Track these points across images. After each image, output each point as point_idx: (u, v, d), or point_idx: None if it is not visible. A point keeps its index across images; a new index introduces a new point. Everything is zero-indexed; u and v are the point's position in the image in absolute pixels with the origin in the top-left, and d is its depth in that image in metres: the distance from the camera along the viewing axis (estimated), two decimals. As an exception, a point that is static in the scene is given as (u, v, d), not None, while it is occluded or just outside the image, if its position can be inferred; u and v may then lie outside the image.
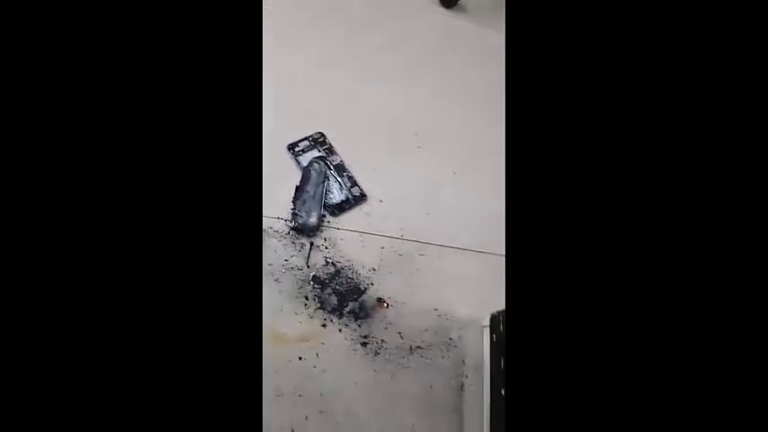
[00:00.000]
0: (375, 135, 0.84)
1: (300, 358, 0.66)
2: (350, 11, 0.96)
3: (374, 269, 0.74)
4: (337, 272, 0.72)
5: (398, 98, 0.89)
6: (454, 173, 0.85)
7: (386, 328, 0.70)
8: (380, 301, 0.72)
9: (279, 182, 0.76)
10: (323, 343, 0.68)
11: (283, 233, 0.73)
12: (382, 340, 0.70)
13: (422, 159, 0.84)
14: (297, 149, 0.79)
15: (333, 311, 0.70)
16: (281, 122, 0.79)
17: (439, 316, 0.73)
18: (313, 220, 0.73)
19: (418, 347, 0.70)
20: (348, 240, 0.75)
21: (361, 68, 0.90)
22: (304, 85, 0.85)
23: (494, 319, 0.68)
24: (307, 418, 0.64)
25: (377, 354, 0.69)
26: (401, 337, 0.70)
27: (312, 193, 0.75)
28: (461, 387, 0.70)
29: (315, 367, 0.66)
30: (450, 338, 0.72)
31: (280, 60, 0.86)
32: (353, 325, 0.70)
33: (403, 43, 0.95)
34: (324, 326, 0.69)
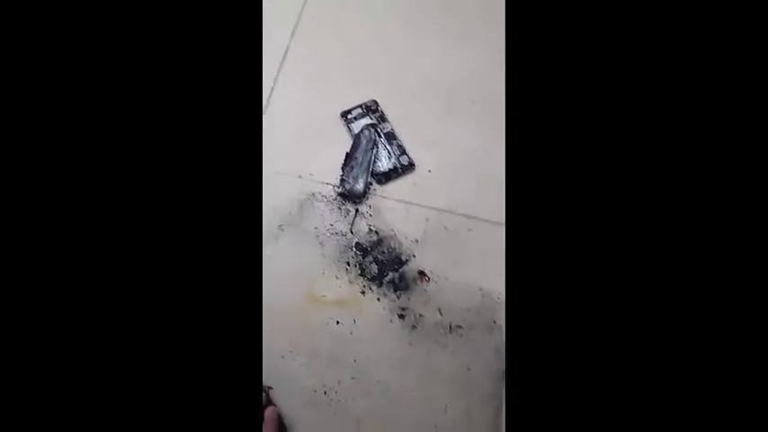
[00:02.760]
0: (429, 102, 0.81)
1: (338, 322, 0.67)
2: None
3: (417, 241, 0.72)
4: (380, 240, 0.71)
5: (454, 63, 0.84)
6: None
7: (425, 303, 0.69)
8: (422, 274, 0.70)
9: (330, 148, 0.75)
10: (360, 310, 0.68)
11: (330, 198, 0.73)
12: (420, 314, 0.68)
13: (476, 129, 0.79)
14: (350, 117, 0.78)
15: (372, 279, 0.69)
16: (336, 89, 0.78)
17: (483, 296, 0.70)
18: (359, 186, 0.73)
19: (458, 326, 0.68)
20: (393, 210, 0.73)
21: (418, 28, 0.86)
22: (361, 48, 0.83)
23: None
24: (339, 382, 0.64)
25: (414, 327, 0.68)
26: (440, 313, 0.68)
27: (360, 159, 0.74)
28: (502, 373, 0.67)
29: (351, 333, 0.67)
30: (495, 321, 0.69)
31: (339, 19, 0.85)
32: (392, 295, 0.69)
33: (458, 4, 0.89)
34: (363, 293, 0.69)
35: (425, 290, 0.69)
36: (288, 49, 0.83)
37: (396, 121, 0.78)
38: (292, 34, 0.84)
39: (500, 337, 0.68)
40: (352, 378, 0.65)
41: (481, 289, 0.70)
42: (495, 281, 0.71)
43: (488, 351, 0.67)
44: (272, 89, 0.80)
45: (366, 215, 0.73)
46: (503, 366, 0.67)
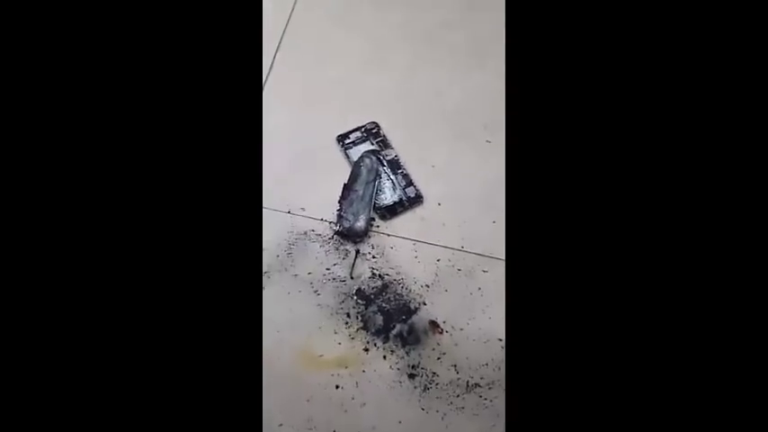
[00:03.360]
0: (437, 126, 0.72)
1: (338, 387, 0.57)
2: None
3: (427, 285, 0.63)
4: (384, 286, 0.62)
5: (464, 83, 0.76)
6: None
7: (438, 359, 0.59)
8: (434, 324, 0.61)
9: (325, 178, 0.66)
10: (364, 371, 0.58)
11: (326, 237, 0.64)
12: (434, 373, 0.59)
13: (490, 156, 0.71)
14: (347, 141, 0.69)
15: (377, 333, 0.60)
16: (332, 110, 0.70)
17: (503, 348, 0.61)
18: (360, 224, 0.63)
19: (476, 385, 0.59)
20: (399, 249, 0.64)
21: (422, 49, 0.78)
22: (358, 69, 0.75)
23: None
24: (341, 458, 0.54)
25: (426, 389, 0.58)
26: (456, 371, 0.59)
27: (361, 192, 0.65)
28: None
29: (353, 399, 0.57)
30: (514, 374, 0.60)
31: (331, 37, 0.76)
32: (400, 352, 0.59)
33: (468, 16, 0.81)
34: (366, 350, 0.59)
35: (438, 343, 0.60)
36: (272, 67, 0.74)
37: (400, 147, 0.70)
38: (277, 49, 0.75)
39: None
40: (356, 455, 0.55)
41: (500, 340, 0.62)
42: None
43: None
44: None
45: (368, 257, 0.63)
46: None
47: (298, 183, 0.67)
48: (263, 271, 0.62)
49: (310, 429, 0.55)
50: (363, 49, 0.76)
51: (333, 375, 0.57)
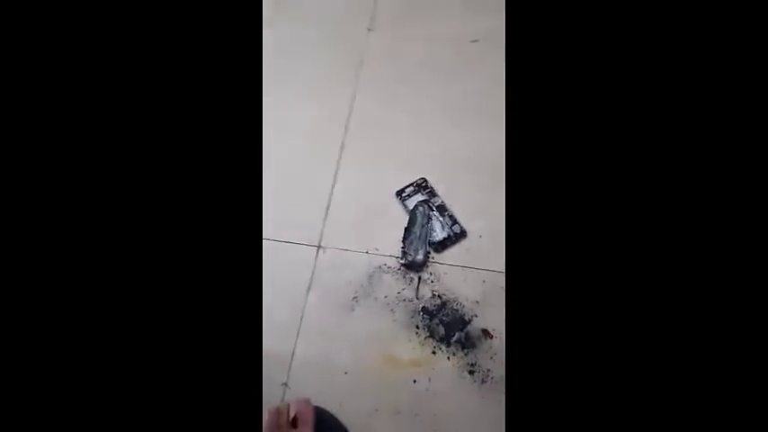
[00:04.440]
0: (473, 176, 0.91)
1: (414, 381, 0.75)
2: (441, 63, 1.06)
3: (477, 301, 0.80)
4: (443, 304, 0.80)
5: (494, 139, 0.95)
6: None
7: (491, 358, 0.76)
8: (485, 332, 0.78)
9: (390, 225, 0.86)
10: (433, 369, 0.75)
11: (395, 269, 0.83)
12: (488, 369, 0.75)
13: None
14: (404, 195, 0.90)
15: (441, 340, 0.77)
16: (390, 172, 0.91)
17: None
18: (420, 257, 0.82)
19: (523, 376, 0.74)
20: (451, 275, 0.83)
21: (457, 114, 0.98)
22: (407, 136, 0.96)
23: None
24: (422, 436, 0.71)
25: (483, 382, 0.74)
26: (506, 367, 0.75)
27: (418, 233, 0.85)
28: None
29: (427, 390, 0.74)
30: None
31: (383, 115, 0.99)
32: (460, 353, 0.76)
33: (494, 88, 1.02)
34: (433, 353, 0.77)
35: (491, 346, 0.77)
36: (343, 144, 0.97)
37: (445, 195, 0.89)
38: (345, 130, 0.99)
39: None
40: (434, 431, 0.71)
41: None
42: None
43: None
44: (333, 184, 0.92)
45: (428, 281, 0.82)
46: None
47: (371, 230, 0.87)
48: (353, 297, 0.82)
49: (397, 413, 0.73)
50: (409, 121, 0.98)
51: (410, 372, 0.75)
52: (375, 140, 0.97)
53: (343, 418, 0.58)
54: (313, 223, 0.88)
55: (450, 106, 0.99)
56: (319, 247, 0.86)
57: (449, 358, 0.76)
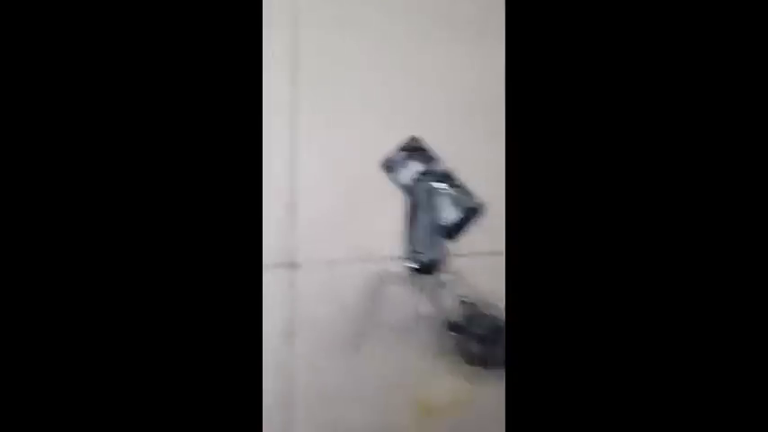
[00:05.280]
0: (481, 121, 0.67)
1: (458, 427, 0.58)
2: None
3: (512, 299, 0.62)
4: (470, 310, 0.61)
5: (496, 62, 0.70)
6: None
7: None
8: (529, 337, 0.61)
9: (382, 211, 0.62)
10: (475, 400, 0.58)
11: (402, 275, 0.61)
12: (541, 385, 0.59)
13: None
14: (392, 164, 0.65)
15: (477, 362, 0.60)
16: (369, 134, 0.64)
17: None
18: (435, 254, 0.61)
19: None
20: (472, 268, 0.62)
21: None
22: (379, 83, 0.68)
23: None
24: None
25: (538, 402, 0.59)
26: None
27: (425, 220, 0.62)
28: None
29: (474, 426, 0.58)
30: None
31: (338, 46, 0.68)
32: (502, 372, 0.60)
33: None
34: (472, 383, 0.59)
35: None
36: (292, 104, 0.67)
37: (447, 155, 0.65)
38: (292, 82, 0.68)
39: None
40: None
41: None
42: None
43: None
44: (291, 166, 0.65)
45: (448, 284, 0.61)
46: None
47: (357, 223, 0.63)
48: (354, 329, 0.60)
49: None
50: (382, 59, 0.69)
51: (452, 418, 0.58)
52: (336, 89, 0.67)
53: None
54: (275, 231, 0.61)
55: (431, 20, 0.70)
56: (292, 265, 0.61)
57: (490, 383, 0.59)
